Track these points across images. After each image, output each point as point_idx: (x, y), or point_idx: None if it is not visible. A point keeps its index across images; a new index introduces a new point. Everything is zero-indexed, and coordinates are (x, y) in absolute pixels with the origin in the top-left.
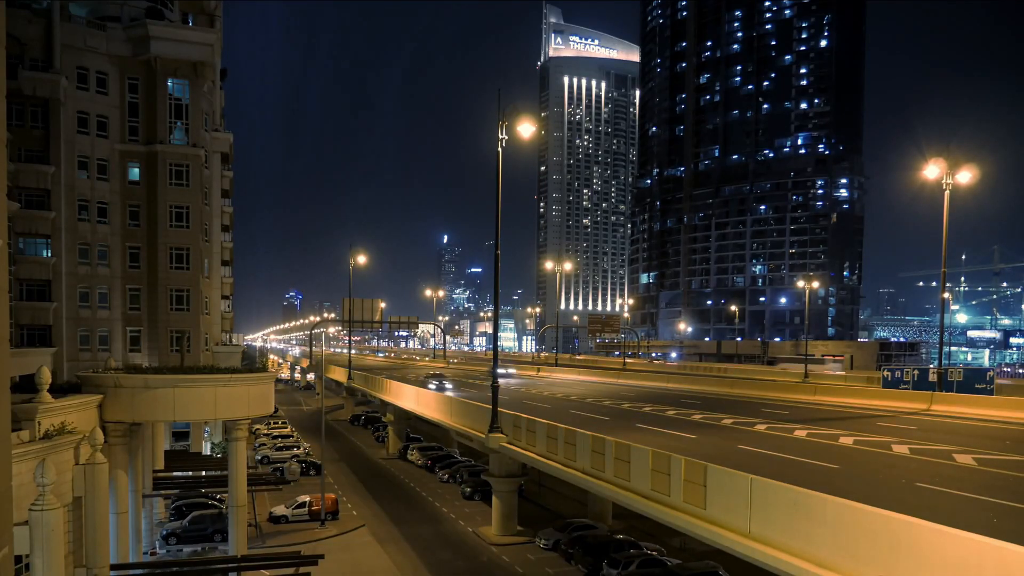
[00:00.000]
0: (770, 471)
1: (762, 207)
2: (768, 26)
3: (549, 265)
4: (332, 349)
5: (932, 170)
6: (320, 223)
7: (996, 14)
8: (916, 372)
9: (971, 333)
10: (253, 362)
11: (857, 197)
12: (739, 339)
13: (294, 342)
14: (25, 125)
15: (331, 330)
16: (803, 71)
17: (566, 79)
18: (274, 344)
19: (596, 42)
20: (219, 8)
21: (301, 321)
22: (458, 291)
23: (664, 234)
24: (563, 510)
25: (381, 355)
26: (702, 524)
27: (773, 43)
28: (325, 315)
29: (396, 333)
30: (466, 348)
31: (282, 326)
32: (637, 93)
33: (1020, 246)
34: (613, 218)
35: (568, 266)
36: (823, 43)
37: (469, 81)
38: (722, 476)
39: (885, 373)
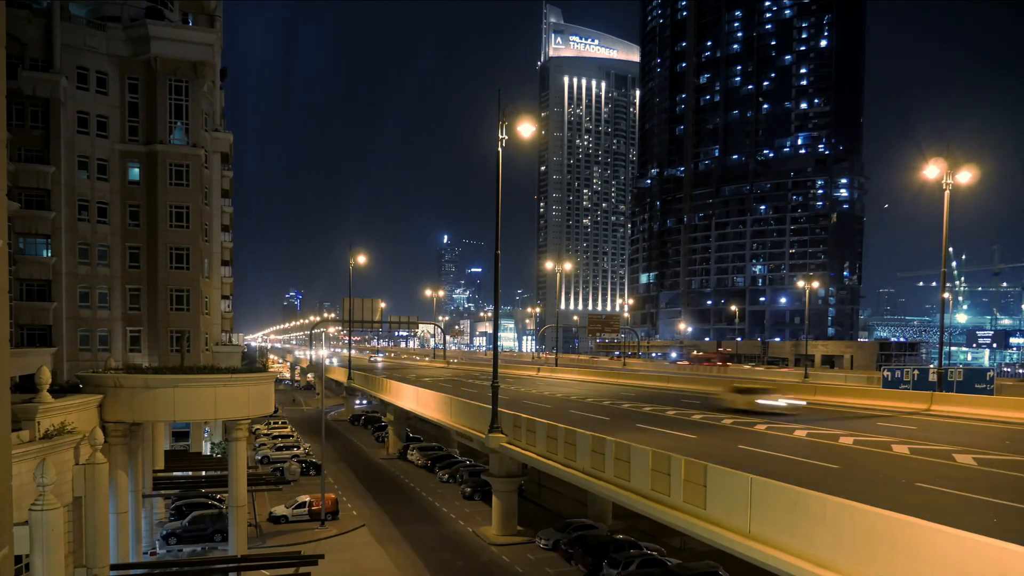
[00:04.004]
0: (770, 471)
1: (762, 207)
2: (768, 26)
3: (549, 265)
4: (332, 349)
5: (932, 170)
6: (320, 223)
7: (996, 14)
8: (916, 372)
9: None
10: (253, 362)
11: (857, 197)
12: (739, 339)
13: (294, 342)
14: (25, 125)
15: (331, 330)
16: (803, 71)
17: (566, 79)
18: (274, 344)
19: (596, 42)
20: (219, 8)
21: (301, 321)
22: (458, 291)
23: (664, 234)
24: (563, 510)
25: (381, 355)
26: (702, 524)
27: (773, 43)
28: (325, 315)
29: (396, 333)
30: (466, 348)
31: (282, 326)
32: (637, 93)
33: (1020, 246)
34: (613, 218)
35: (568, 266)
36: (823, 43)
37: (469, 81)
38: (722, 476)
39: (885, 373)
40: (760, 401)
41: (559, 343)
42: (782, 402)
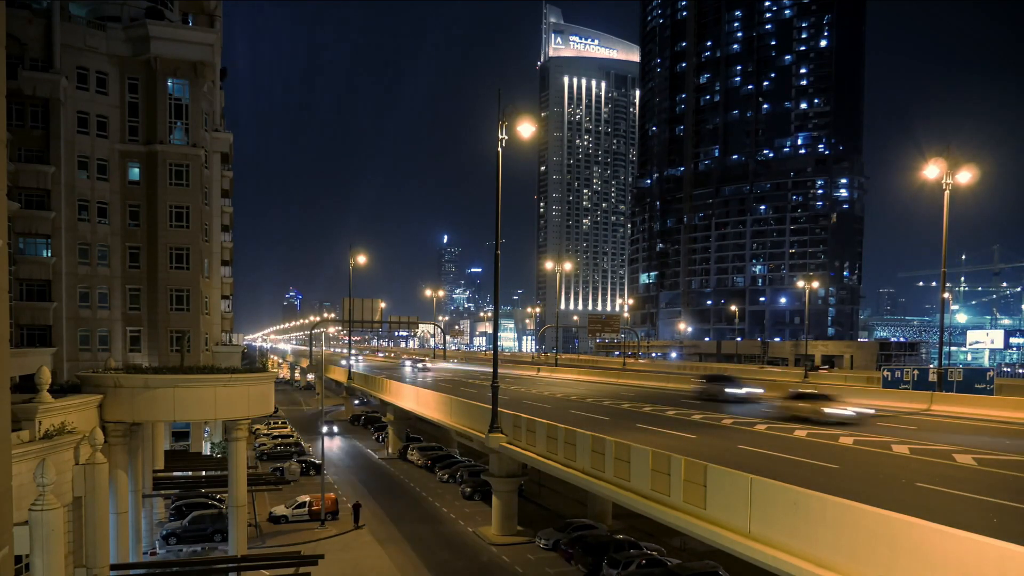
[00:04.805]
0: (770, 471)
1: (762, 207)
2: (768, 26)
3: (549, 265)
4: (332, 349)
5: (932, 170)
6: (320, 223)
7: (996, 14)
8: (916, 372)
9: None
10: (253, 362)
11: (857, 197)
12: (739, 339)
13: (294, 342)
14: (25, 125)
15: (331, 330)
16: (803, 71)
17: (566, 79)
18: (274, 345)
19: (596, 42)
20: (219, 8)
21: (301, 321)
22: (458, 291)
23: (664, 234)
24: (563, 510)
25: (381, 355)
26: (702, 524)
27: (773, 43)
28: (325, 315)
29: (396, 333)
30: (466, 348)
31: (282, 326)
32: (637, 93)
33: (1020, 246)
34: (613, 218)
35: (568, 266)
36: (823, 43)
37: (469, 81)
38: (722, 476)
39: (885, 373)
40: (828, 410)
41: (559, 343)
42: (850, 411)
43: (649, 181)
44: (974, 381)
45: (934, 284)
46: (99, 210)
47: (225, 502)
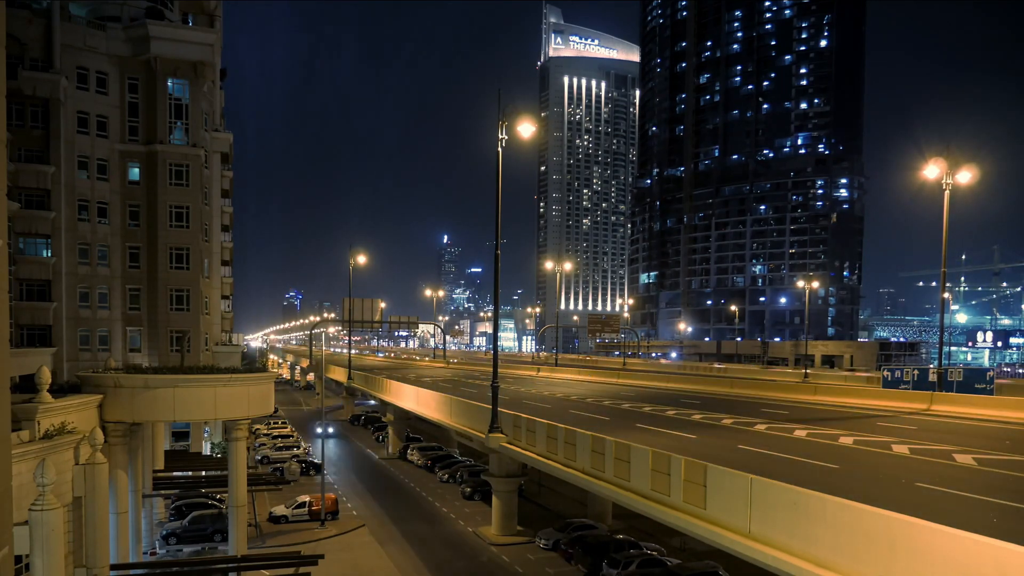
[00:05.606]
0: (770, 471)
1: (762, 207)
2: (768, 26)
3: (549, 265)
4: (332, 349)
5: (932, 170)
6: (320, 223)
7: (996, 14)
8: (916, 372)
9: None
10: (253, 362)
11: (857, 197)
12: (739, 339)
13: (294, 342)
14: (25, 125)
15: (331, 330)
16: (803, 71)
17: (566, 79)
18: (274, 344)
19: (596, 42)
20: (219, 8)
21: (301, 321)
22: (458, 291)
23: (664, 234)
24: (563, 510)
25: (381, 355)
26: (702, 524)
27: (773, 43)
28: (325, 315)
29: (396, 333)
30: (466, 348)
31: (282, 326)
32: (637, 93)
33: (1020, 246)
34: (613, 218)
35: (568, 266)
36: (823, 43)
37: (469, 81)
38: (722, 476)
39: (885, 373)
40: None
41: (559, 343)
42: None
43: (649, 181)
44: (974, 381)
45: (934, 284)
46: (99, 210)
47: (225, 502)
